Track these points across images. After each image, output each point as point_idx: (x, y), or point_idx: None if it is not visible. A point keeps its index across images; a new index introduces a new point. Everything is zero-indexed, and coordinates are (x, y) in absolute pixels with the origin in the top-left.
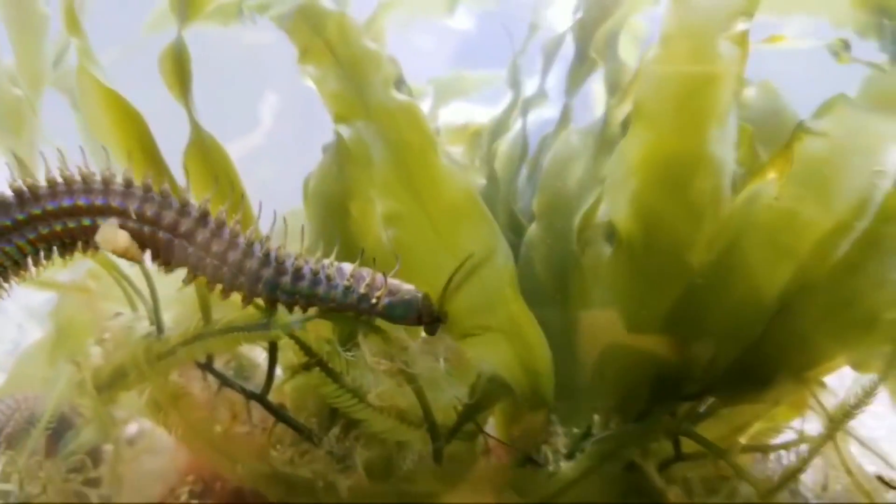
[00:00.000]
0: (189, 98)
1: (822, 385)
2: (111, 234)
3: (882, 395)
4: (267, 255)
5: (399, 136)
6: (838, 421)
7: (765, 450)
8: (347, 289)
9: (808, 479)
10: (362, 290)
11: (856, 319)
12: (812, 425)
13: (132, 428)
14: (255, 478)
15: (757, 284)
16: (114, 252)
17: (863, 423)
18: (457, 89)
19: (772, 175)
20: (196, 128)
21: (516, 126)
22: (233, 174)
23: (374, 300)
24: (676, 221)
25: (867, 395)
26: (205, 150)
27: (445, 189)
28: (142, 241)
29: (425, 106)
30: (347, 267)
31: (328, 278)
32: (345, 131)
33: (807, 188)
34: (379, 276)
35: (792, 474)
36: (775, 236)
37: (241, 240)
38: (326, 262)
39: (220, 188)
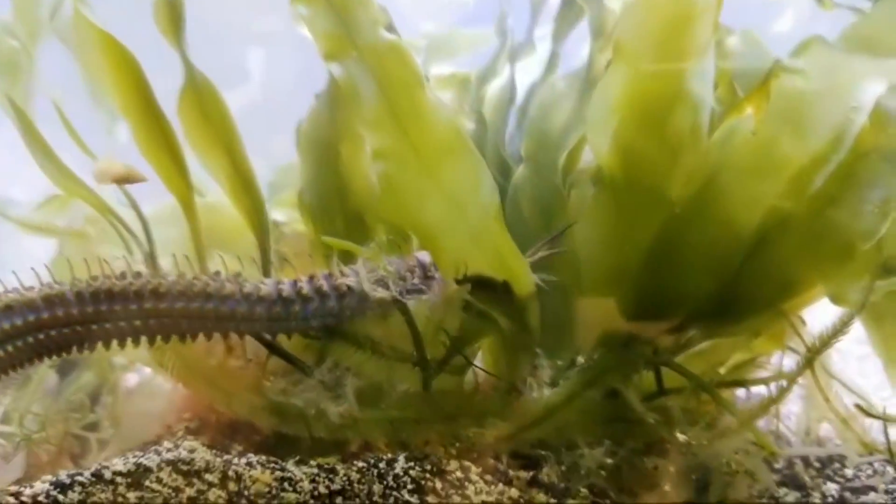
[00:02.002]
0: (182, 42)
1: (801, 318)
2: (106, 166)
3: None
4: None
5: (386, 73)
6: (815, 351)
7: (746, 384)
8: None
9: (793, 426)
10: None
11: (832, 251)
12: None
13: (133, 378)
14: (249, 409)
15: (735, 217)
16: (115, 182)
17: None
18: (450, 46)
19: (749, 111)
20: (190, 70)
21: (506, 73)
22: (227, 118)
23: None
24: (656, 157)
25: (843, 326)
26: (199, 93)
27: (431, 124)
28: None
29: (418, 60)
30: (397, 262)
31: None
32: (335, 69)
33: (784, 123)
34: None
35: (770, 403)
36: (752, 170)
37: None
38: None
39: (216, 130)
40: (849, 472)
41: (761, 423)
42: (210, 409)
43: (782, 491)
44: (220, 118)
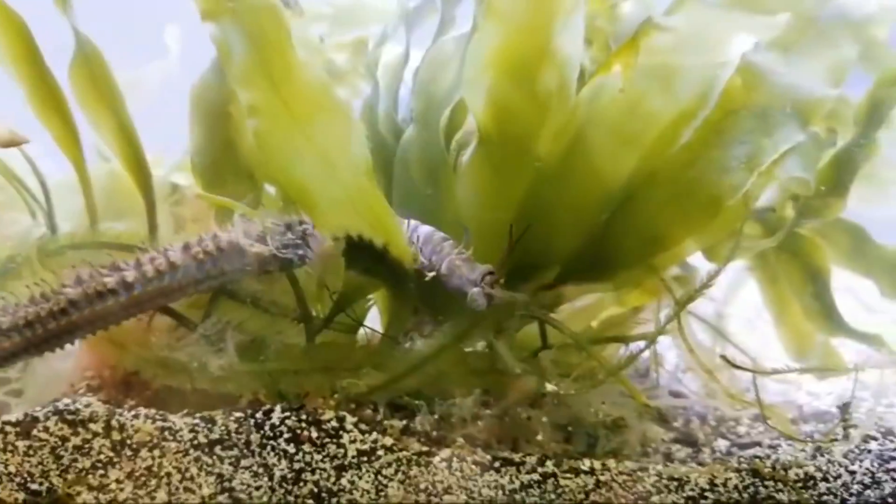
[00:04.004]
0: (70, 10)
1: (690, 267)
2: None
3: None
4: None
5: (259, 30)
6: (682, 304)
7: (624, 339)
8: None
9: (692, 385)
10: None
11: (699, 206)
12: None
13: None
14: (139, 363)
15: (602, 173)
16: (2, 145)
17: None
18: (357, 16)
19: (617, 68)
20: (79, 38)
21: (401, 36)
22: (113, 83)
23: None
24: (525, 113)
25: (710, 280)
26: (88, 60)
27: (301, 80)
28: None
29: (319, 29)
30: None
31: None
32: (212, 29)
33: (652, 80)
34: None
35: (634, 356)
36: (620, 126)
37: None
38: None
39: (103, 95)
40: (742, 428)
41: (664, 381)
42: (105, 366)
43: (675, 447)
44: (106, 83)
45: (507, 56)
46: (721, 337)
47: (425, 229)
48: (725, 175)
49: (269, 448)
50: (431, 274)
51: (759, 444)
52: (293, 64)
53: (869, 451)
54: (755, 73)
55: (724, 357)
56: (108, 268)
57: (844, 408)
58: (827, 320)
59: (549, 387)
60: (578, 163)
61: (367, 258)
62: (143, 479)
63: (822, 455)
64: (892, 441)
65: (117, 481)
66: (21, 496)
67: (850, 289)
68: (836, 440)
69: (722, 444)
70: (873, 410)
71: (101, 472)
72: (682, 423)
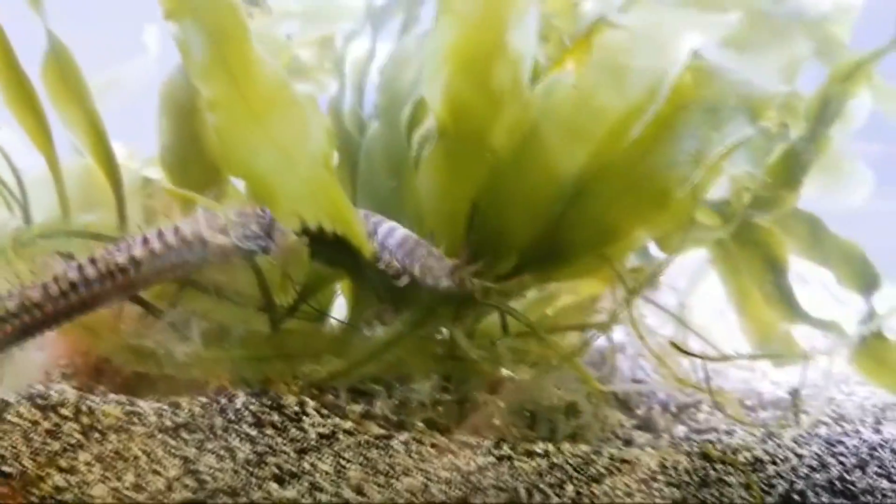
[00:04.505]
0: (42, 10)
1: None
2: None
3: None
4: None
5: (218, 26)
6: (633, 292)
7: (579, 328)
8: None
9: (655, 374)
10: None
11: (649, 198)
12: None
13: None
14: (110, 349)
15: (555, 166)
16: None
17: None
18: (327, 14)
19: (571, 65)
20: (51, 37)
21: (368, 34)
22: (82, 80)
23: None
24: (480, 108)
25: (661, 268)
26: (59, 58)
27: (259, 75)
28: None
29: (289, 27)
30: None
31: None
32: (174, 28)
33: (604, 75)
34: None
35: (588, 341)
36: (572, 121)
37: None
38: None
39: (73, 92)
40: (701, 415)
41: (627, 369)
42: (77, 353)
43: (636, 433)
44: (76, 82)
45: (462, 52)
46: (682, 326)
47: (400, 234)
48: (675, 168)
49: (233, 432)
50: (405, 278)
51: (715, 429)
52: (251, 59)
53: (818, 436)
54: (706, 69)
55: (673, 343)
56: (105, 251)
57: (795, 394)
58: (786, 308)
59: (505, 372)
60: (532, 156)
61: (330, 249)
62: (111, 461)
63: (771, 439)
64: (841, 426)
65: (86, 464)
66: None
67: (821, 282)
68: (788, 426)
69: (681, 430)
70: (832, 398)
71: (71, 454)
72: (644, 410)
